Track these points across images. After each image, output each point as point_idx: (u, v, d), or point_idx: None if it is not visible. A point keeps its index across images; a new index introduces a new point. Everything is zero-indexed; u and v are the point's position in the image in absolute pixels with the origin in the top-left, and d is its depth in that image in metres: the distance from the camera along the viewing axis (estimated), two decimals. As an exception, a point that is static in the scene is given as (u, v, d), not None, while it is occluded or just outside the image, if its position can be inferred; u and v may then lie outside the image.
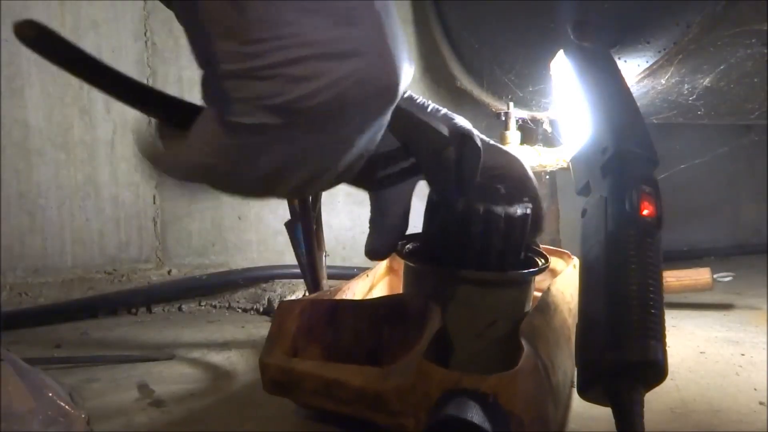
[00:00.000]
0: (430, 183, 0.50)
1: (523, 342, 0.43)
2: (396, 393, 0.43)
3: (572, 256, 0.71)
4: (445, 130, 0.48)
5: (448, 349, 0.47)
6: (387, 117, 0.37)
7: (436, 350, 0.45)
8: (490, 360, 0.48)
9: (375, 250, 0.53)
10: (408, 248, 0.53)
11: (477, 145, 0.48)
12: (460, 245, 0.48)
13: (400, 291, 0.54)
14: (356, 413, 0.46)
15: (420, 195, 0.52)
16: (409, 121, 0.48)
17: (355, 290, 0.64)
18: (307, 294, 0.74)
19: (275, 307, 0.54)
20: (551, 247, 0.77)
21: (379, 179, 0.50)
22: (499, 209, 0.47)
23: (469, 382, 0.41)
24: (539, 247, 0.55)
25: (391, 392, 0.43)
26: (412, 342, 0.47)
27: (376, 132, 0.38)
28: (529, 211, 0.49)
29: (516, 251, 0.49)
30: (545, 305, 0.52)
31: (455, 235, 0.48)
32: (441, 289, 0.48)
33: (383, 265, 0.72)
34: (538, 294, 0.56)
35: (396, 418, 0.44)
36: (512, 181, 0.52)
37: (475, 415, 0.39)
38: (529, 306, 0.52)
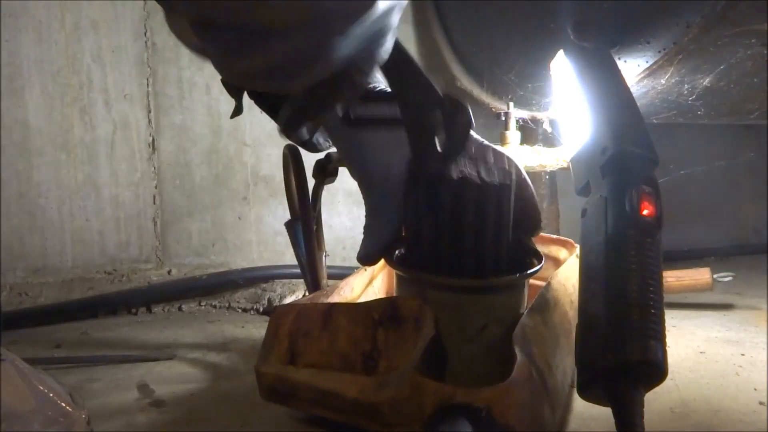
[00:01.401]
0: (410, 143, 0.49)
1: (517, 350, 0.43)
2: (390, 405, 0.43)
3: (575, 245, 0.70)
4: (440, 90, 0.47)
5: (442, 356, 0.47)
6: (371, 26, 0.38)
7: (430, 357, 0.45)
8: (484, 365, 0.48)
9: (367, 254, 0.53)
10: (397, 254, 0.52)
11: (468, 113, 0.47)
12: (435, 222, 0.46)
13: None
14: (351, 422, 0.46)
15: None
16: (409, 69, 0.47)
17: (354, 285, 0.64)
18: (306, 294, 0.74)
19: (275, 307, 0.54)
20: (554, 236, 0.77)
21: (355, 118, 0.48)
22: (474, 176, 0.46)
23: (463, 396, 0.41)
24: (534, 245, 0.55)
25: (386, 404, 0.43)
26: (407, 345, 0.47)
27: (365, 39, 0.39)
28: (509, 182, 0.48)
29: (496, 236, 0.48)
30: (543, 302, 0.52)
31: (430, 207, 0.46)
32: (429, 295, 0.48)
33: (381, 258, 0.72)
34: (542, 283, 0.56)
35: (390, 429, 0.44)
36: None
37: None
38: (524, 307, 0.51)
